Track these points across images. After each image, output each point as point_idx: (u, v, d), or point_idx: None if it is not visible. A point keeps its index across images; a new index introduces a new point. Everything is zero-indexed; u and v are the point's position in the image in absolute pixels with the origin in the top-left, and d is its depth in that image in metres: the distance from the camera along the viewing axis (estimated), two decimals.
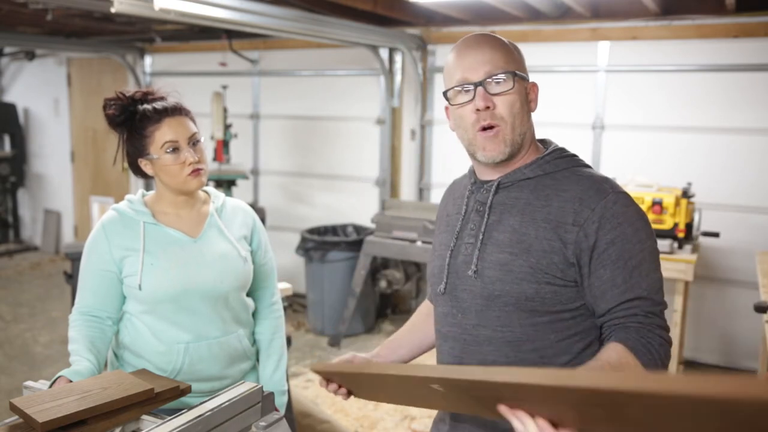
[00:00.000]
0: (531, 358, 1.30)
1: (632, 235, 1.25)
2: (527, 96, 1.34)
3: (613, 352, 1.20)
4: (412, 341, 1.60)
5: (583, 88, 4.54)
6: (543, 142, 1.43)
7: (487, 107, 1.29)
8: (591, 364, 1.19)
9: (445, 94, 1.36)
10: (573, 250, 1.25)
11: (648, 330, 1.23)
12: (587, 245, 1.24)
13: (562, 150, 1.38)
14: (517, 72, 1.31)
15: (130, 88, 1.78)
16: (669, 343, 1.25)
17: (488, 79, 1.29)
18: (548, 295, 1.27)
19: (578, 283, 1.28)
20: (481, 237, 1.33)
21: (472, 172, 1.45)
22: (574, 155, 1.39)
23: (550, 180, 1.32)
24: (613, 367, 1.17)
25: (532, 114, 1.39)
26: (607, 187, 1.28)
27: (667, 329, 1.26)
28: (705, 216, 4.02)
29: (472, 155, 1.37)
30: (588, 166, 1.37)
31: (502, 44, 1.33)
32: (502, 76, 1.29)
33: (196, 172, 1.73)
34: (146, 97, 1.74)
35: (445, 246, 1.41)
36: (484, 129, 1.31)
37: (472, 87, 1.30)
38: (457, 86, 1.32)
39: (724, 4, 3.91)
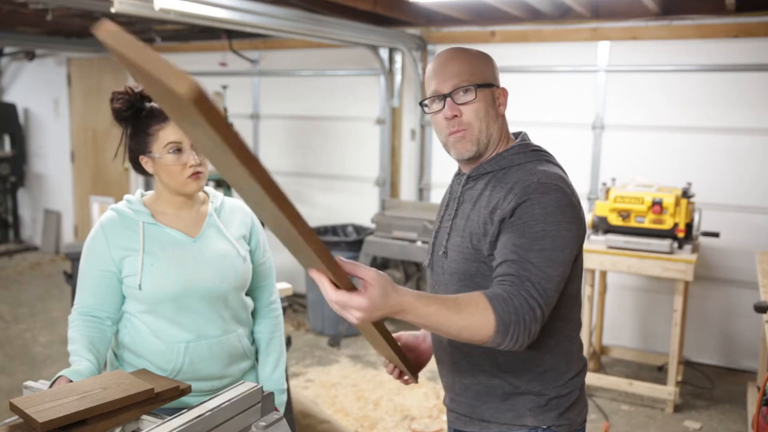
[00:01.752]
0: None
1: (539, 215, 1.37)
2: (494, 101, 1.52)
3: (468, 295, 1.30)
4: None
5: (583, 88, 4.54)
6: (518, 136, 1.60)
7: (455, 116, 1.48)
8: (442, 296, 1.28)
9: (421, 103, 1.57)
10: (497, 226, 1.43)
11: (515, 290, 1.31)
12: (502, 218, 1.41)
13: (525, 146, 1.54)
14: (481, 83, 1.48)
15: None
16: (532, 307, 1.30)
17: (455, 91, 1.48)
18: (486, 272, 1.45)
19: None
20: (450, 223, 1.57)
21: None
22: (537, 150, 1.53)
23: (503, 174, 1.50)
24: (454, 305, 1.26)
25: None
26: (534, 178, 1.42)
27: (538, 299, 1.31)
28: (705, 216, 4.02)
29: (448, 153, 1.58)
30: (547, 161, 1.50)
31: (470, 58, 1.51)
32: (466, 87, 1.47)
33: (196, 175, 1.73)
34: None
35: (435, 228, 1.66)
36: (453, 133, 1.50)
37: (442, 98, 1.49)
38: (430, 97, 1.53)
39: (724, 4, 3.91)
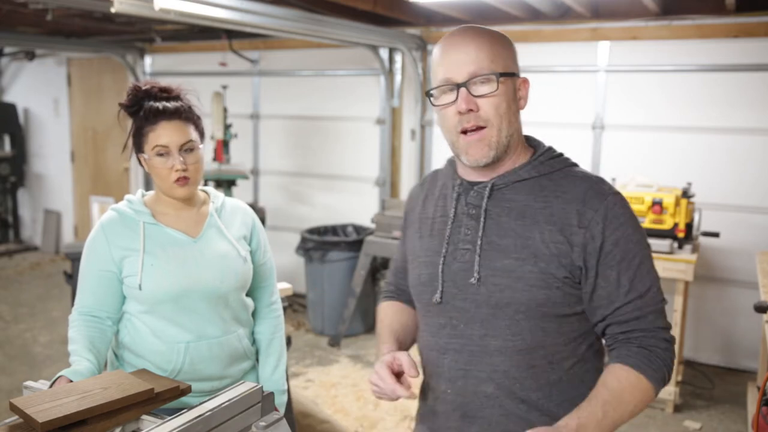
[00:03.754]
0: (541, 365, 1.28)
1: (633, 234, 1.25)
2: (515, 94, 1.29)
3: (615, 378, 1.22)
4: (410, 333, 1.50)
5: (583, 88, 4.54)
6: (528, 139, 1.39)
7: (470, 110, 1.24)
8: (594, 394, 1.20)
9: (428, 93, 1.31)
10: (579, 252, 1.23)
11: (651, 336, 1.24)
12: (594, 247, 1.23)
13: (552, 150, 1.36)
14: (503, 72, 1.25)
15: (161, 82, 1.76)
16: (672, 341, 1.27)
17: (471, 81, 1.23)
18: (559, 299, 1.25)
19: (581, 285, 1.26)
20: (479, 242, 1.27)
21: (454, 171, 1.40)
22: (562, 154, 1.36)
23: (547, 181, 1.28)
24: (614, 397, 1.18)
25: (523, 112, 1.34)
26: (605, 189, 1.27)
27: (668, 327, 1.28)
28: (705, 216, 4.02)
29: (457, 157, 1.34)
30: (576, 165, 1.35)
31: (489, 41, 1.26)
32: (486, 77, 1.23)
33: (183, 180, 1.72)
34: (160, 93, 1.74)
35: (435, 252, 1.34)
36: (466, 132, 1.26)
37: (455, 88, 1.24)
38: (440, 86, 1.27)
39: (724, 4, 3.91)
